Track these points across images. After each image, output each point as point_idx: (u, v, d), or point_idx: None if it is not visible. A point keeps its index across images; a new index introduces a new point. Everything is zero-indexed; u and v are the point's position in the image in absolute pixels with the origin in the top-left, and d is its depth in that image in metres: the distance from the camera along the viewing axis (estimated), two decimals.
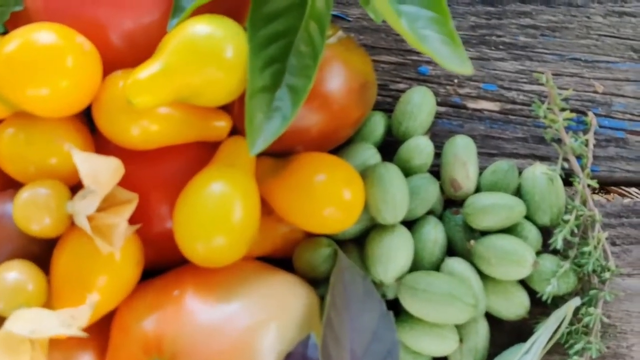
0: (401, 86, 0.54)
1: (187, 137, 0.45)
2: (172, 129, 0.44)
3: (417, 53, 0.55)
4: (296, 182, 0.45)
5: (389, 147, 0.52)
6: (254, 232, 0.44)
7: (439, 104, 0.54)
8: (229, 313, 0.42)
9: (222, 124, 0.46)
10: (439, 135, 0.54)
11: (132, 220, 0.45)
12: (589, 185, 0.50)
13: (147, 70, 0.40)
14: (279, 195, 0.46)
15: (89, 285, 0.41)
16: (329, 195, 0.44)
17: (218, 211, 0.42)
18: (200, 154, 0.46)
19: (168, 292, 0.43)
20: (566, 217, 0.48)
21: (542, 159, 0.52)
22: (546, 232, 0.49)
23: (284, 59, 0.43)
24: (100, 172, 0.39)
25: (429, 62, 0.55)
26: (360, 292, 0.46)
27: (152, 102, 0.40)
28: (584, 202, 0.49)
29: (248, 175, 0.44)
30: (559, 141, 0.52)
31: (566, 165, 0.50)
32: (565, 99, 0.53)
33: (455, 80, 0.54)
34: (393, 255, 0.47)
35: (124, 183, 0.43)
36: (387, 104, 0.54)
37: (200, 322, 0.41)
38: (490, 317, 0.49)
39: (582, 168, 0.50)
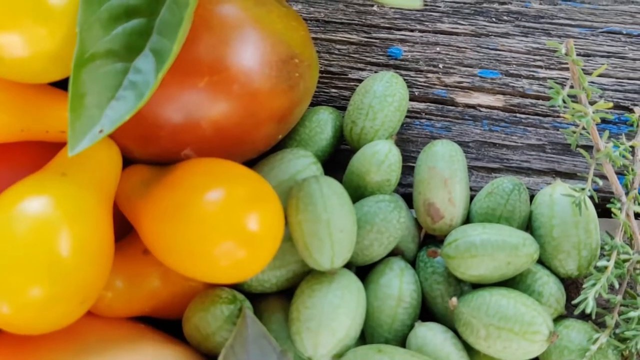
0: (364, 74, 0.39)
1: (13, 134, 0.30)
2: None
3: (387, 29, 0.39)
4: (172, 201, 0.29)
5: (343, 159, 0.36)
6: (97, 282, 0.28)
7: (416, 98, 0.38)
8: None
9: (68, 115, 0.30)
10: (415, 143, 0.37)
11: None
12: (637, 216, 0.32)
13: None
14: (148, 221, 0.30)
15: None
16: (223, 223, 0.29)
17: (31, 245, 0.27)
18: (36, 161, 0.31)
19: None
20: (602, 263, 0.31)
21: (567, 176, 0.36)
22: (572, 287, 0.32)
23: (151, 11, 0.28)
24: None
25: (403, 41, 0.39)
26: None
27: None
28: (630, 241, 0.32)
29: (91, 189, 0.29)
30: (589, 148, 0.35)
31: (600, 183, 0.33)
32: (599, 92, 0.36)
33: (441, 66, 0.38)
34: (328, 318, 0.30)
35: None
36: (343, 99, 0.38)
37: None
38: None
39: (627, 189, 0.33)
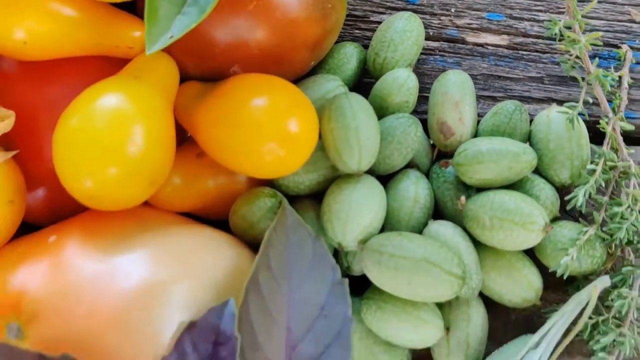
0: (384, 17, 0.44)
1: (88, 48, 0.35)
2: (67, 33, 0.34)
3: None
4: (225, 108, 0.35)
5: (366, 90, 0.41)
6: (163, 168, 0.33)
7: (431, 37, 0.43)
8: (118, 266, 0.31)
9: (138, 33, 0.36)
10: (430, 76, 0.43)
11: (12, 149, 0.35)
12: (622, 132, 0.38)
13: None
14: (204, 126, 0.35)
15: None
16: (267, 126, 0.34)
17: (110, 132, 0.32)
18: (107, 73, 0.36)
19: (44, 240, 0.32)
20: (591, 167, 0.36)
21: (562, 104, 0.40)
22: (565, 194, 0.37)
23: None
24: None
25: None
26: (308, 257, 0.34)
27: None
28: (616, 151, 0.37)
29: (158, 91, 0.34)
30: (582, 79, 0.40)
31: (590, 100, 0.38)
32: (592, 29, 0.41)
33: (453, 10, 0.43)
34: (355, 210, 0.35)
35: (8, 103, 0.33)
36: (366, 39, 0.44)
37: (75, 277, 0.30)
38: (489, 303, 0.37)
39: (614, 112, 0.38)
